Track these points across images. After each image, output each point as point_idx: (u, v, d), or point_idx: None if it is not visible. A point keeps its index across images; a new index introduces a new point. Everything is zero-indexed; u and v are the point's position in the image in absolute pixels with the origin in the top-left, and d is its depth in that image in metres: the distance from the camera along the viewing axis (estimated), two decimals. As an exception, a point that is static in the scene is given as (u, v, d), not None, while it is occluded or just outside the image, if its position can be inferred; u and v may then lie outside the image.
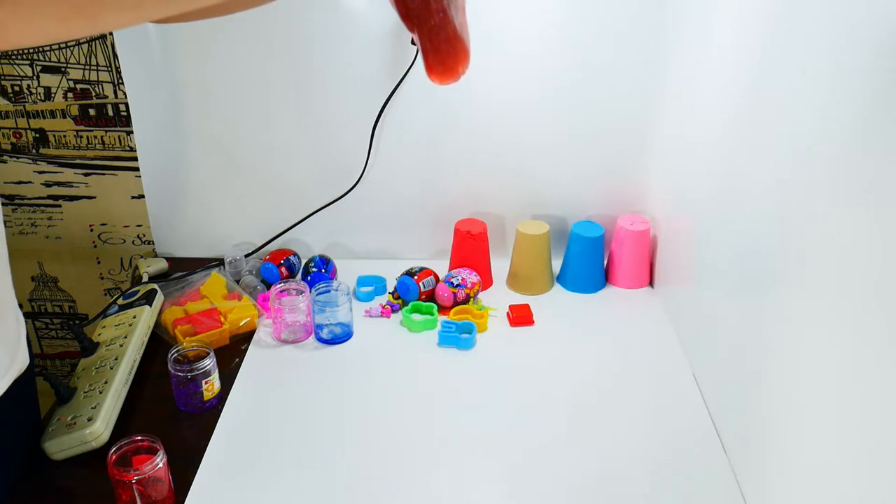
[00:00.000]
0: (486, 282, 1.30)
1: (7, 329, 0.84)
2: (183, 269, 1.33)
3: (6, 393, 0.84)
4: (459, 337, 1.14)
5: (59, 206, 1.36)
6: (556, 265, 1.33)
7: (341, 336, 1.16)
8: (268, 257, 1.29)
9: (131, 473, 0.82)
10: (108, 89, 1.25)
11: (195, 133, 1.29)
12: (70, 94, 1.26)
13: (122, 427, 0.96)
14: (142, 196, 1.34)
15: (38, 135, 1.30)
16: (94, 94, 1.26)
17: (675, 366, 1.10)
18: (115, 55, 1.22)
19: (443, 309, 1.22)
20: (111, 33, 1.20)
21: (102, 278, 1.44)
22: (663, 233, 1.25)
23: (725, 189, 0.96)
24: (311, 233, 1.36)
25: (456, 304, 1.21)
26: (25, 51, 1.22)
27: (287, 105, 1.25)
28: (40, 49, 1.22)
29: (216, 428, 0.98)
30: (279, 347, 1.15)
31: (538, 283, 1.29)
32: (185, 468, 0.91)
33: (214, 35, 1.20)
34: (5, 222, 1.36)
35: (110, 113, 1.27)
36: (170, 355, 1.01)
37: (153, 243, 1.39)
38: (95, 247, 1.40)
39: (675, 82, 1.17)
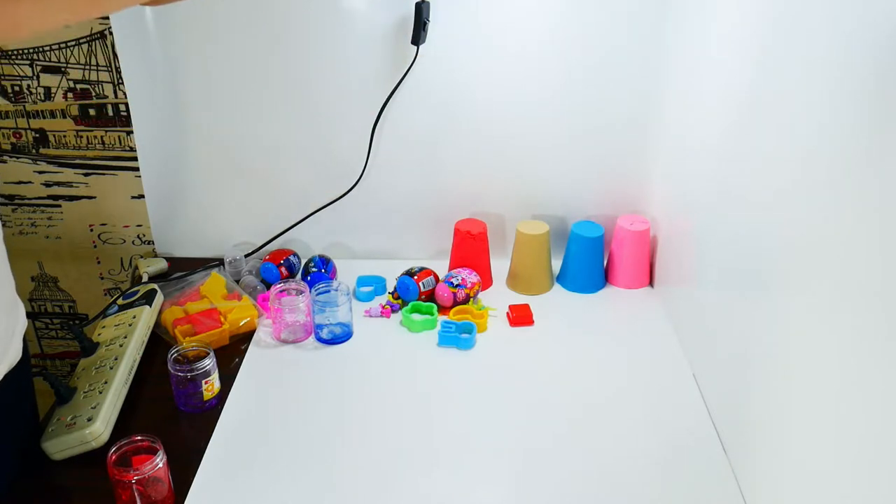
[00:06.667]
0: (486, 282, 1.30)
1: None
2: (183, 269, 1.33)
3: (1, 391, 0.84)
4: (459, 337, 1.14)
5: (59, 206, 1.36)
6: (556, 265, 1.33)
7: (341, 336, 1.16)
8: (268, 257, 1.29)
9: (131, 473, 0.82)
10: (108, 89, 1.25)
11: (195, 133, 1.29)
12: (70, 94, 1.26)
13: (122, 427, 0.96)
14: (142, 196, 1.34)
15: (38, 135, 1.30)
16: (94, 94, 1.26)
17: (675, 366, 1.10)
18: (115, 55, 1.22)
19: (443, 309, 1.22)
20: (111, 33, 1.20)
21: (102, 278, 1.44)
22: (663, 233, 1.25)
23: (725, 189, 0.96)
24: (311, 233, 1.36)
25: (456, 304, 1.21)
26: (25, 51, 1.22)
27: (287, 105, 1.25)
28: (40, 49, 1.22)
29: (216, 428, 0.98)
30: (279, 347, 1.15)
31: (538, 283, 1.29)
32: (185, 468, 0.91)
33: (214, 34, 1.20)
34: (5, 223, 1.36)
35: (110, 113, 1.27)
36: (170, 355, 1.01)
37: (153, 243, 1.39)
38: (95, 247, 1.40)
39: (675, 82, 1.17)
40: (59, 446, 0.91)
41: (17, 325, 0.90)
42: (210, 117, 1.27)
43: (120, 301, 1.18)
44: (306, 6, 1.17)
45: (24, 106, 1.27)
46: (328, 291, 1.16)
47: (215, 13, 1.18)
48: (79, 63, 1.23)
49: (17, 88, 1.26)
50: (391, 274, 1.29)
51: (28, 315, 1.49)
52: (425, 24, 1.15)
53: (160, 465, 0.83)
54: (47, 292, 1.46)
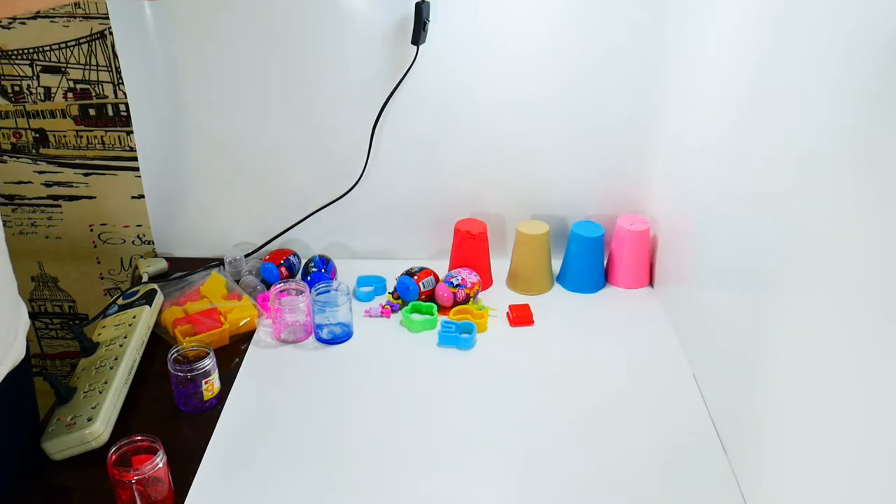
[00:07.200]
0: (486, 282, 1.30)
1: (1, 322, 0.84)
2: (183, 269, 1.33)
3: (2, 390, 0.84)
4: (459, 337, 1.14)
5: (59, 206, 1.36)
6: (556, 265, 1.33)
7: (341, 336, 1.16)
8: (268, 257, 1.29)
9: (131, 473, 0.82)
10: (108, 89, 1.25)
11: (195, 133, 1.29)
12: (70, 94, 1.26)
13: (122, 427, 0.96)
14: (142, 196, 1.34)
15: (38, 135, 1.30)
16: (94, 94, 1.26)
17: (675, 366, 1.10)
18: (115, 55, 1.22)
19: (443, 309, 1.22)
20: (111, 33, 1.20)
21: (102, 278, 1.44)
22: (663, 233, 1.25)
23: (725, 189, 0.96)
24: (311, 233, 1.36)
25: (456, 304, 1.21)
26: (25, 50, 1.22)
27: (287, 105, 1.25)
28: (40, 49, 1.22)
29: (216, 428, 0.98)
30: (279, 347, 1.15)
31: (538, 283, 1.29)
32: (185, 468, 0.91)
33: (214, 35, 1.20)
34: (5, 223, 1.36)
35: (110, 113, 1.27)
36: (170, 355, 1.01)
37: (153, 243, 1.39)
38: (95, 247, 1.40)
39: (675, 83, 1.17)
40: (59, 446, 0.91)
41: (20, 325, 0.90)
42: (210, 117, 1.27)
43: (120, 301, 1.18)
44: (306, 6, 1.17)
45: (24, 106, 1.27)
46: (328, 291, 1.16)
47: (215, 13, 1.18)
48: (79, 63, 1.23)
49: (17, 88, 1.26)
50: (391, 274, 1.29)
51: (28, 315, 1.49)
52: (425, 24, 1.15)
53: (160, 465, 0.83)
54: (47, 292, 1.46)
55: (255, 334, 1.17)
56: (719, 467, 0.91)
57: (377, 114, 1.24)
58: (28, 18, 1.20)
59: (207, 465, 0.92)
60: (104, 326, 1.12)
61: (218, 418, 1.00)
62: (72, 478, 0.91)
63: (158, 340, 1.15)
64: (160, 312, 1.18)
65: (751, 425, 0.87)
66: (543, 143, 1.27)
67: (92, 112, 1.27)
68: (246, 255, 1.34)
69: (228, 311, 1.17)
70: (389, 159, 1.29)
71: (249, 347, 1.15)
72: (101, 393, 0.95)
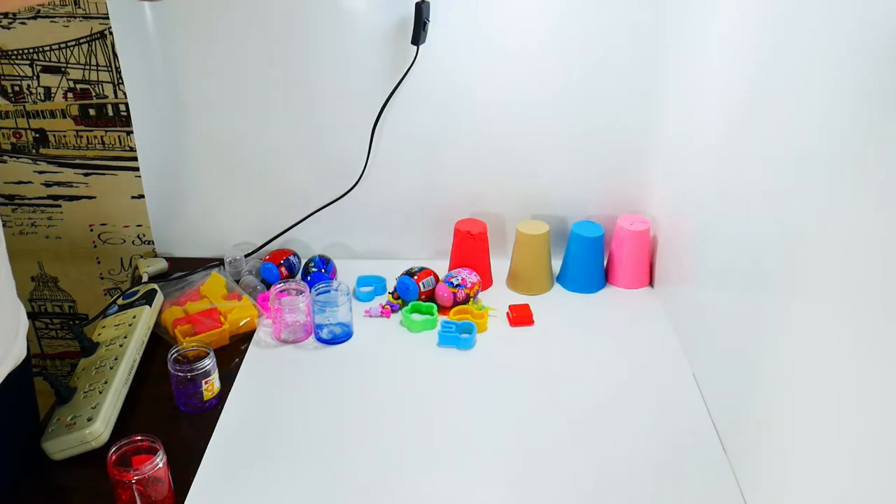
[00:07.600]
0: (486, 282, 1.30)
1: (2, 322, 0.84)
2: (183, 269, 1.33)
3: (2, 390, 0.84)
4: (459, 337, 1.14)
5: (59, 206, 1.36)
6: (556, 265, 1.33)
7: (341, 336, 1.16)
8: (268, 257, 1.29)
9: (131, 473, 0.82)
10: (108, 89, 1.25)
11: (195, 133, 1.29)
12: (70, 94, 1.26)
13: (122, 427, 0.96)
14: (142, 196, 1.34)
15: (38, 135, 1.30)
16: (94, 94, 1.26)
17: (675, 366, 1.10)
18: (115, 55, 1.22)
19: (443, 309, 1.22)
20: (111, 33, 1.20)
21: (102, 278, 1.44)
22: (663, 233, 1.25)
23: (725, 189, 0.96)
24: (311, 233, 1.36)
25: (456, 304, 1.21)
26: (25, 50, 1.22)
27: (287, 105, 1.25)
28: (40, 49, 1.22)
29: (216, 428, 0.98)
30: (279, 347, 1.15)
31: (538, 283, 1.29)
32: (185, 468, 0.91)
33: (215, 35, 1.20)
34: (5, 223, 1.36)
35: (110, 113, 1.27)
36: (170, 355, 1.01)
37: (153, 243, 1.39)
38: (95, 247, 1.40)
39: (675, 83, 1.17)
40: (59, 446, 0.91)
41: (20, 325, 0.90)
42: (210, 117, 1.27)
43: (120, 301, 1.18)
44: (306, 6, 1.17)
45: (24, 106, 1.27)
46: (328, 291, 1.16)
47: (215, 13, 1.18)
48: (79, 63, 1.23)
49: (17, 88, 1.26)
50: (391, 274, 1.29)
51: (28, 315, 1.49)
52: (425, 24, 1.15)
53: (160, 465, 0.83)
54: (47, 292, 1.46)
55: (255, 334, 1.17)
56: (719, 467, 0.91)
57: (377, 114, 1.24)
58: (28, 18, 1.20)
59: (207, 465, 0.92)
60: (104, 326, 1.12)
61: (218, 418, 1.00)
62: (72, 478, 0.91)
63: (158, 340, 1.15)
64: (160, 312, 1.18)
65: (751, 425, 0.87)
66: (543, 143, 1.27)
67: (92, 112, 1.27)
68: (246, 255, 1.34)
69: (228, 311, 1.17)
70: (389, 159, 1.29)
71: (249, 347, 1.15)
72: (101, 393, 0.95)
